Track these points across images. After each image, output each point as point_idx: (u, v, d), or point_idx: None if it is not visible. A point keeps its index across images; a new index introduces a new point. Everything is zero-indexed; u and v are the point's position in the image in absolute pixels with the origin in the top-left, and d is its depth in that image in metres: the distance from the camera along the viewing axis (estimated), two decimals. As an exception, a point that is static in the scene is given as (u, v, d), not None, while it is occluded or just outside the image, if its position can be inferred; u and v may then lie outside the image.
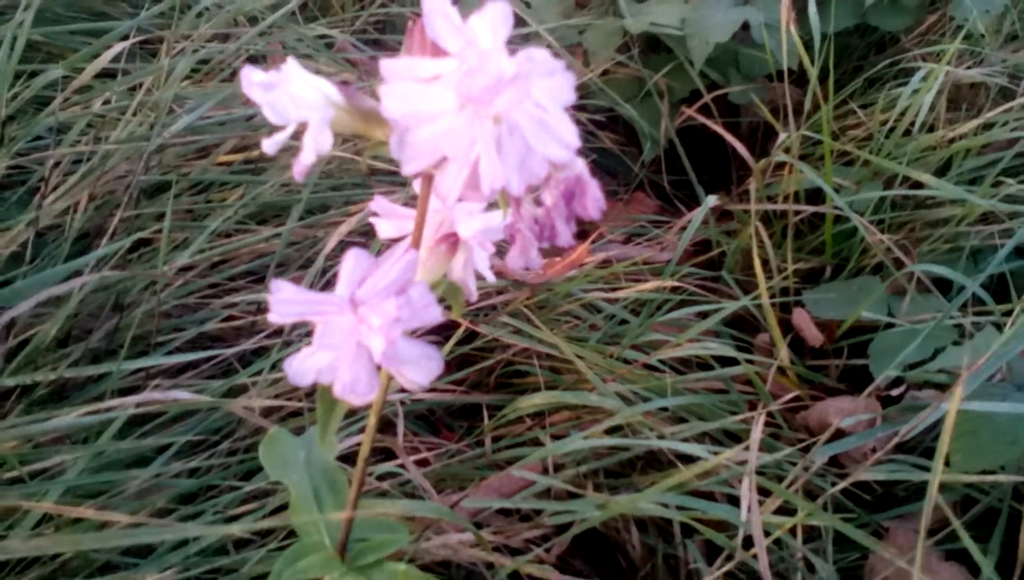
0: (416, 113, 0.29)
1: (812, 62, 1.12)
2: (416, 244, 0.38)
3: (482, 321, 0.90)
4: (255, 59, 1.15)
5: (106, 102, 0.95)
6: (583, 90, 1.19)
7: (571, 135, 0.30)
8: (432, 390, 0.87)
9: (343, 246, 0.94)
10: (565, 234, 0.35)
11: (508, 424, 0.83)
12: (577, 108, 1.19)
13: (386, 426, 0.85)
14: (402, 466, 0.75)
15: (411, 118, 0.29)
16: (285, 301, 0.32)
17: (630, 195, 1.19)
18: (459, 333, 0.87)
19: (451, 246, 0.41)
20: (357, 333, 0.31)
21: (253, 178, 0.96)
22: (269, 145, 0.34)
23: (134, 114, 0.94)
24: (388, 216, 0.42)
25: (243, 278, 0.96)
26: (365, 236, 0.92)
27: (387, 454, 0.81)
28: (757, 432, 0.61)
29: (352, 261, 0.32)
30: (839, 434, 0.75)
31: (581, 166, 0.34)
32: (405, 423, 0.88)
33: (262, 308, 0.89)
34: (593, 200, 0.35)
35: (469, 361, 0.92)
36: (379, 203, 0.42)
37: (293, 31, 1.12)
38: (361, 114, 0.35)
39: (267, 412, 0.80)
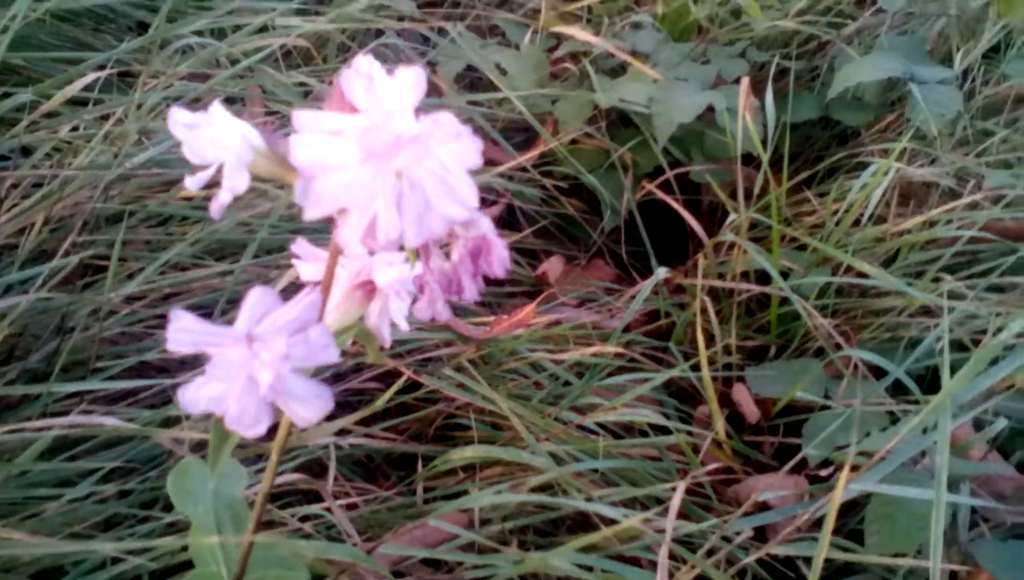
0: (322, 163, 0.30)
1: (774, 149, 1.15)
2: (327, 286, 0.39)
3: (426, 372, 0.91)
4: (232, 100, 1.17)
5: (74, 129, 0.97)
6: (551, 156, 1.22)
7: (471, 196, 0.31)
8: (370, 436, 0.87)
9: (295, 286, 0.95)
10: (471, 289, 0.37)
11: (442, 475, 0.83)
12: (543, 173, 1.22)
13: (323, 469, 0.85)
14: (328, 509, 0.74)
15: (317, 167, 0.30)
16: (182, 330, 0.32)
17: (588, 261, 1.20)
18: (401, 381, 0.87)
19: (367, 293, 0.42)
20: (249, 366, 0.32)
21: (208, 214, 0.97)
22: (191, 182, 0.35)
23: (100, 142, 0.95)
24: (310, 258, 0.43)
25: (195, 311, 0.96)
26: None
27: (318, 497, 0.80)
28: (676, 499, 0.62)
29: (254, 298, 0.33)
30: (764, 508, 0.75)
31: (487, 226, 0.36)
32: (343, 468, 0.88)
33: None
34: (498, 259, 0.37)
35: (411, 410, 0.92)
36: (300, 245, 0.43)
37: (270, 76, 1.15)
38: (279, 159, 0.36)
39: (199, 445, 0.79)
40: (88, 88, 0.97)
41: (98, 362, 0.85)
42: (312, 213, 0.30)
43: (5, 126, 0.99)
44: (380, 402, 0.85)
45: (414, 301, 0.40)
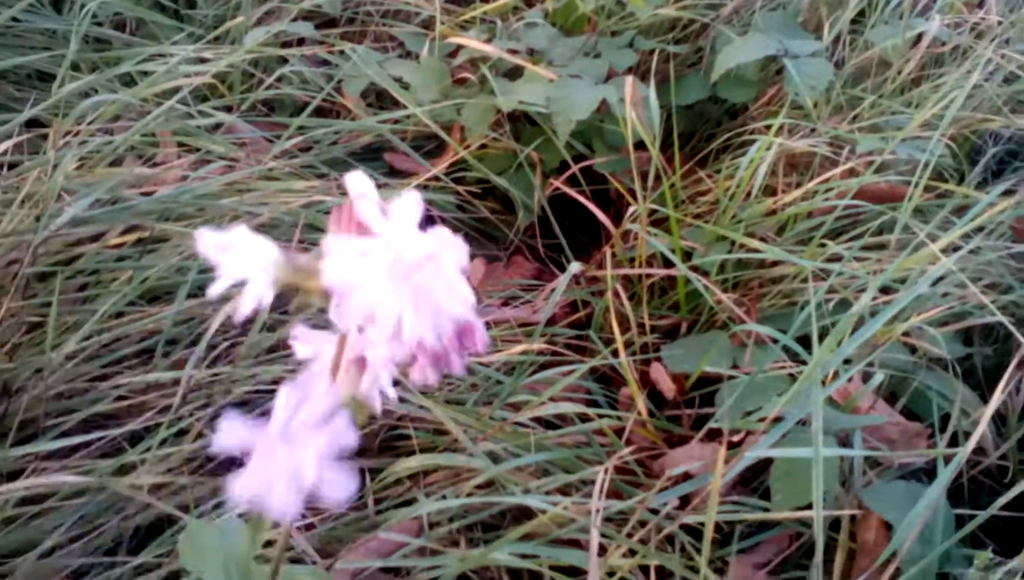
0: (351, 282, 0.36)
1: (671, 131, 1.22)
2: (335, 369, 0.44)
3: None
4: (154, 141, 1.20)
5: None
6: (462, 163, 1.27)
7: (468, 296, 0.38)
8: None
9: (229, 323, 1.00)
10: (458, 364, 0.43)
11: (391, 485, 0.89)
12: (456, 180, 1.27)
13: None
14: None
15: (348, 285, 0.36)
16: (231, 433, 0.36)
17: (508, 259, 1.27)
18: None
19: (361, 368, 0.47)
20: (291, 461, 0.36)
21: (137, 264, 1.00)
22: (213, 291, 0.39)
23: (21, 205, 0.97)
24: (306, 340, 0.48)
25: (137, 356, 1.00)
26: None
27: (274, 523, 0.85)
28: (599, 481, 0.69)
29: (283, 398, 0.37)
30: (688, 478, 0.83)
31: (471, 312, 0.42)
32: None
33: (151, 386, 0.94)
34: (480, 339, 0.43)
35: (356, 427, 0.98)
36: (299, 329, 0.48)
37: (180, 118, 1.18)
38: (295, 270, 0.41)
39: (157, 487, 0.84)
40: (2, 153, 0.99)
41: (48, 420, 0.89)
42: (346, 323, 0.36)
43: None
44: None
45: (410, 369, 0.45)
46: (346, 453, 0.42)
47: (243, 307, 0.38)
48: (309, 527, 0.86)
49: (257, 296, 0.39)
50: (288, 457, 0.36)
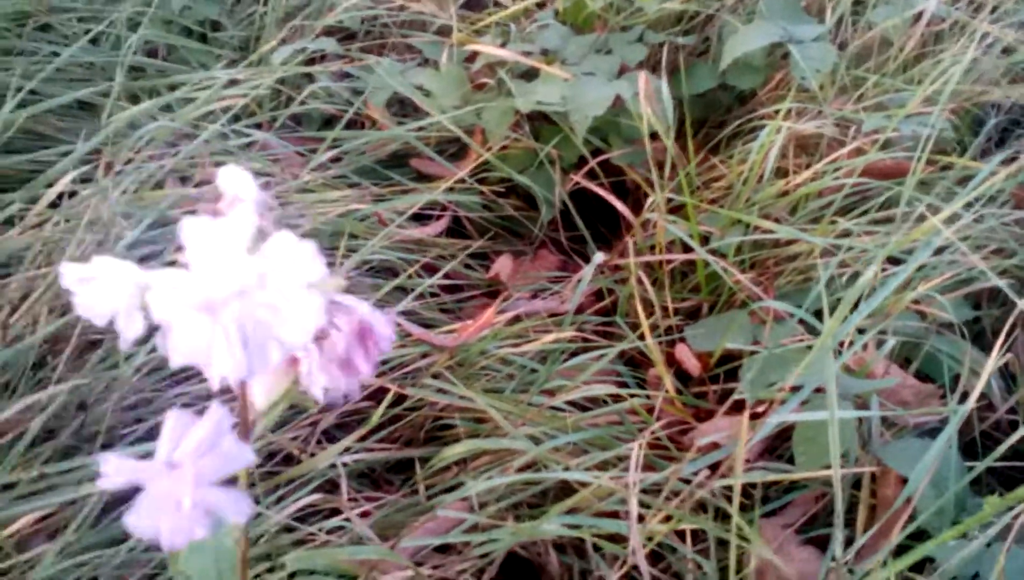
0: (169, 318, 0.33)
1: (684, 121, 1.28)
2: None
3: (410, 384, 1.03)
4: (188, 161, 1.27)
5: (56, 224, 1.07)
6: (485, 164, 1.34)
7: (308, 320, 0.33)
8: (370, 450, 1.00)
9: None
10: (365, 368, 0.41)
11: (438, 472, 0.96)
12: (480, 181, 1.34)
13: (333, 487, 0.97)
14: (347, 519, 0.87)
15: (168, 322, 0.33)
16: (113, 471, 0.35)
17: (534, 254, 1.33)
18: (389, 397, 0.99)
19: (290, 364, 0.43)
20: (174, 492, 0.35)
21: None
22: (98, 320, 0.37)
23: (84, 232, 1.05)
24: None
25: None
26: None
27: (335, 511, 0.93)
28: (634, 455, 0.75)
29: (170, 424, 0.36)
30: (716, 449, 0.89)
31: (366, 309, 0.40)
32: (351, 483, 1.00)
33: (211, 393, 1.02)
34: (382, 338, 0.41)
35: (402, 419, 1.05)
36: None
37: (214, 136, 1.25)
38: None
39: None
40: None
41: (123, 429, 0.97)
42: (174, 362, 0.33)
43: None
44: (374, 418, 0.98)
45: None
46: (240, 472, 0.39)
47: (125, 337, 0.36)
48: (366, 514, 0.93)
49: (127, 326, 0.36)
50: (170, 488, 0.34)
